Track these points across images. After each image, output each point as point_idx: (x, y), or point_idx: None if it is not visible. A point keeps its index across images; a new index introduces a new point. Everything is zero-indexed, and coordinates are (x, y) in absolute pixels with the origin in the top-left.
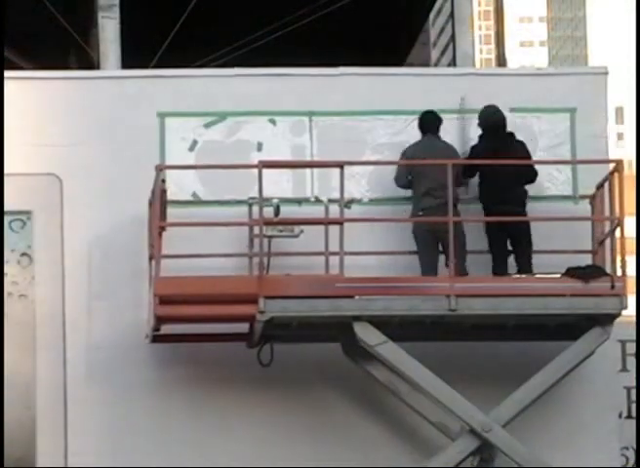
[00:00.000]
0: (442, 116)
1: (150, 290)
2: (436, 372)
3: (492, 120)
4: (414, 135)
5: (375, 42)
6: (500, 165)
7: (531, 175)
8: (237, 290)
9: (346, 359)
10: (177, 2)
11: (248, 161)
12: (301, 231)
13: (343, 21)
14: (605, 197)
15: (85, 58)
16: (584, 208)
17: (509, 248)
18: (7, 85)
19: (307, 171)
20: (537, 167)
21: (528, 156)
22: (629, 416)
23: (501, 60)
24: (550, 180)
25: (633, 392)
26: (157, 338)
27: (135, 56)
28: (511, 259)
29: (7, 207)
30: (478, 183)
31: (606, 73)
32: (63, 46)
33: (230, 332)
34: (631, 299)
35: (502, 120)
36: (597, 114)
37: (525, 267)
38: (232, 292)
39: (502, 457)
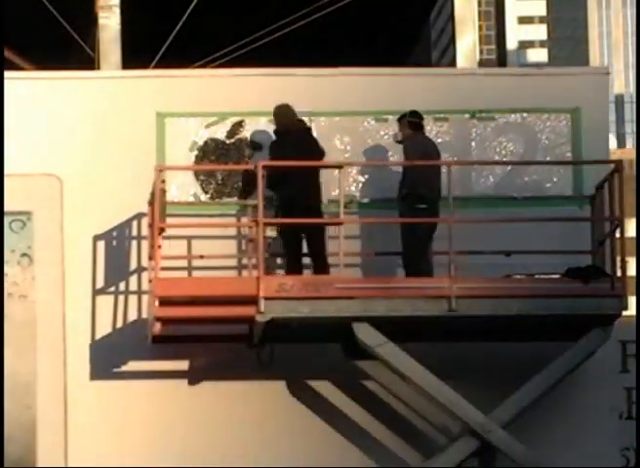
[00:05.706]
0: (442, 116)
1: (150, 290)
2: (436, 373)
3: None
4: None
5: (375, 42)
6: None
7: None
8: (237, 291)
9: (346, 359)
10: (177, 2)
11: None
12: None
13: (344, 21)
14: (605, 197)
15: (85, 58)
16: (584, 208)
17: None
18: (7, 85)
19: None
20: (536, 167)
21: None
22: (630, 417)
23: (501, 60)
24: (551, 181)
25: (634, 393)
26: (157, 339)
27: (135, 56)
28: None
29: (7, 207)
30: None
31: (608, 73)
32: (63, 46)
33: (230, 333)
34: (631, 300)
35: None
36: (599, 114)
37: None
38: (232, 294)
39: (503, 458)
